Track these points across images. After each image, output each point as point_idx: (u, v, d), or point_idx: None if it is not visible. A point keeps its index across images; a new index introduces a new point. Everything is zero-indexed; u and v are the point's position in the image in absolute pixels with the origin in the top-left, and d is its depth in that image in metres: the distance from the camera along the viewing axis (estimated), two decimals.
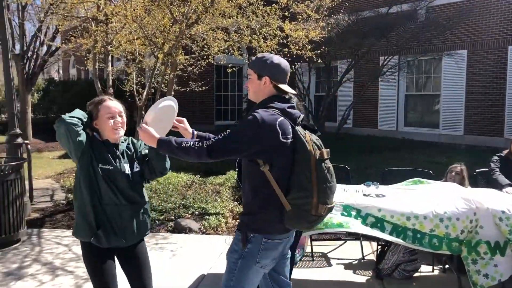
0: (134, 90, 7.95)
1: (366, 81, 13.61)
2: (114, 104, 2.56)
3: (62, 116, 2.43)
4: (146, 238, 5.07)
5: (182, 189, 6.87)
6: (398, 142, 12.80)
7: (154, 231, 5.47)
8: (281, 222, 2.23)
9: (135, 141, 2.70)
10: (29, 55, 14.82)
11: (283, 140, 2.19)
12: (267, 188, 2.21)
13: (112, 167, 2.49)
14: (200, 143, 2.19)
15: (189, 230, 5.38)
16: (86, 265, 2.59)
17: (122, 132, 2.55)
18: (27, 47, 15.10)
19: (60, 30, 11.04)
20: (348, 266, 4.34)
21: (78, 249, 4.76)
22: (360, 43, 11.09)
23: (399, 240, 3.41)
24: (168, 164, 2.66)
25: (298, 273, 4.13)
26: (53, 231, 5.48)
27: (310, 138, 2.24)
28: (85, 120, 2.47)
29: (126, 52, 8.24)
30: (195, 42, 7.53)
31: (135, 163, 2.61)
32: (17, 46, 15.69)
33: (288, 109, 2.29)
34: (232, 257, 2.32)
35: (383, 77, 12.52)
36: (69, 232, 5.46)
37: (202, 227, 5.47)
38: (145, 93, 7.80)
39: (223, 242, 5.01)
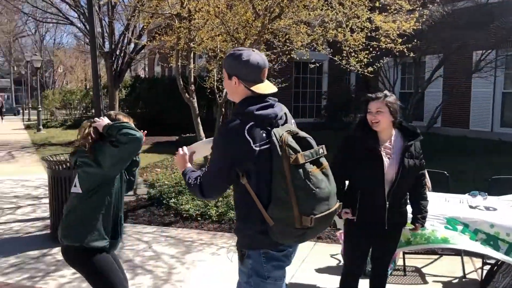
0: (215, 87, 7.88)
1: (457, 78, 12.59)
2: None
3: (138, 135, 2.55)
4: (225, 239, 4.94)
5: None
6: (493, 144, 11.69)
7: (233, 231, 5.31)
8: (268, 236, 2.00)
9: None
10: (117, 53, 15.55)
11: (255, 148, 1.96)
12: (249, 201, 2.00)
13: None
14: (195, 180, 2.09)
15: None
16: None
17: None
18: (116, 45, 15.84)
19: (146, 28, 11.36)
20: (447, 285, 3.85)
21: (157, 247, 4.75)
22: (454, 37, 10.21)
23: None
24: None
25: None
26: (134, 227, 5.52)
27: (287, 140, 1.94)
28: None
29: (208, 49, 8.21)
30: (277, 37, 7.28)
31: None
32: (107, 45, 16.56)
33: (258, 111, 2.01)
34: (242, 279, 2.15)
35: (479, 73, 11.46)
36: (150, 228, 5.48)
37: None
38: (225, 90, 7.72)
39: (304, 249, 4.72)
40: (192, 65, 8.08)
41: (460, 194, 3.82)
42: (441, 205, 3.42)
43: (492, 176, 7.29)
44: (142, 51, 16.98)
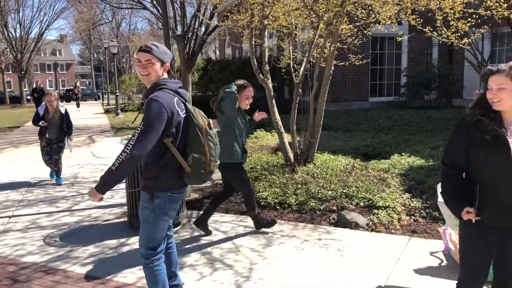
0: (291, 66, 7.44)
1: None
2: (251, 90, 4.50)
3: (231, 90, 4.36)
4: (307, 231, 4.56)
5: (342, 175, 6.19)
6: None
7: (315, 222, 4.92)
8: (180, 179, 2.77)
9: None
10: (189, 35, 15.54)
11: (182, 115, 2.73)
12: (168, 155, 2.71)
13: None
14: (121, 154, 2.57)
15: (355, 225, 4.68)
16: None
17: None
18: (188, 27, 15.83)
19: (217, 8, 11.09)
20: None
21: (236, 239, 4.46)
22: None
23: None
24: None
25: None
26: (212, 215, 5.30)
27: (199, 112, 2.82)
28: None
29: (281, 26, 7.76)
30: (359, 9, 6.65)
31: None
32: (179, 28, 16.62)
33: (180, 89, 2.81)
34: (144, 213, 2.80)
35: None
36: (228, 217, 5.23)
37: (371, 223, 4.73)
38: (302, 68, 7.24)
39: (398, 244, 4.22)
40: (266, 44, 7.68)
41: None
42: None
43: None
44: (213, 33, 16.90)
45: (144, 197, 2.80)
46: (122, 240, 4.51)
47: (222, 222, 5.02)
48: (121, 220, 5.20)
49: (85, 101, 42.10)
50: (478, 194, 2.31)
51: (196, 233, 4.65)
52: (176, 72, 16.97)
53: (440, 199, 2.90)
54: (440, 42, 6.57)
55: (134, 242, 4.37)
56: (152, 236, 2.80)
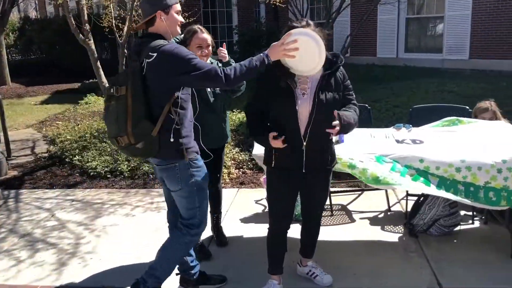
0: (113, 25, 7.02)
1: (364, 6, 12.60)
2: (205, 36, 3.00)
3: None
4: (139, 196, 4.50)
5: None
6: (400, 70, 12.07)
7: (148, 186, 4.87)
8: None
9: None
10: None
11: None
12: None
13: None
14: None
15: None
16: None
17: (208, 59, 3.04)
18: None
19: None
20: (374, 221, 3.79)
21: (61, 214, 4.17)
22: None
23: (451, 196, 2.81)
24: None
25: None
26: (33, 192, 4.85)
27: None
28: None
29: None
30: None
31: None
32: None
33: None
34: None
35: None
36: (52, 193, 4.83)
37: None
38: (125, 28, 6.89)
39: (229, 196, 4.42)
40: (84, 1, 7.08)
41: (384, 128, 3.67)
42: (368, 142, 3.24)
43: (405, 101, 7.49)
44: None
45: None
46: None
47: (45, 199, 4.63)
48: None
49: None
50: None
51: (14, 216, 4.22)
52: None
53: (254, 151, 3.09)
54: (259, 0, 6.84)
55: None
56: None
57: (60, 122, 8.19)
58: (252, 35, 16.21)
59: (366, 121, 4.06)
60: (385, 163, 2.90)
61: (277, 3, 6.52)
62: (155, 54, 2.28)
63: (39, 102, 11.26)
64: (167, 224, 2.82)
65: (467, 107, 3.98)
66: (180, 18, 2.44)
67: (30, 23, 19.29)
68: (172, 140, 2.35)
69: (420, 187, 2.85)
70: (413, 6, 13.31)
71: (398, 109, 7.10)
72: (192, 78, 2.28)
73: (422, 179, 2.84)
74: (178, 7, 2.44)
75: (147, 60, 2.30)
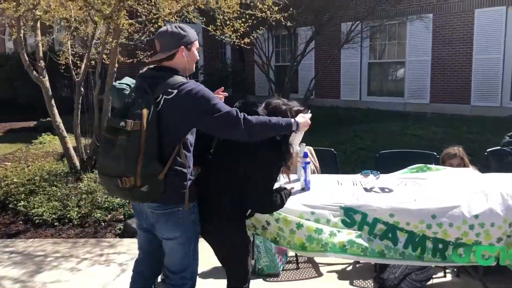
0: (70, 62, 6.72)
1: (328, 50, 12.85)
2: None
3: (112, 83, 3.45)
4: (88, 247, 4.10)
5: None
6: (363, 112, 12.21)
7: (99, 235, 4.47)
8: None
9: None
10: None
11: None
12: None
13: None
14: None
15: None
16: None
17: None
18: None
19: None
20: (342, 275, 3.53)
21: None
22: (326, 8, 10.20)
23: (414, 263, 2.65)
24: None
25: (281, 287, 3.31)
26: None
27: None
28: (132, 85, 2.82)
29: (61, 19, 6.96)
30: (141, 3, 6.35)
31: None
32: None
33: None
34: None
35: (348, 44, 11.75)
36: None
37: None
38: (83, 66, 6.60)
39: None
40: (39, 37, 6.77)
41: (351, 175, 3.49)
42: (335, 190, 3.03)
43: (370, 144, 7.45)
44: None
45: None
46: None
47: None
48: None
49: None
50: None
51: None
52: None
53: None
54: (224, 41, 6.76)
55: None
56: None
57: (9, 163, 7.66)
58: (219, 75, 16.24)
59: (332, 166, 3.89)
60: (354, 215, 2.68)
61: (243, 45, 6.42)
62: (175, 91, 2.13)
63: None
64: (131, 274, 2.49)
65: (435, 153, 3.88)
66: (197, 55, 2.37)
67: None
68: (177, 183, 2.17)
69: (389, 261, 2.67)
70: (375, 52, 13.67)
71: (363, 152, 7.03)
72: (214, 119, 2.14)
73: (390, 235, 2.63)
74: (197, 43, 2.36)
75: (165, 96, 2.13)
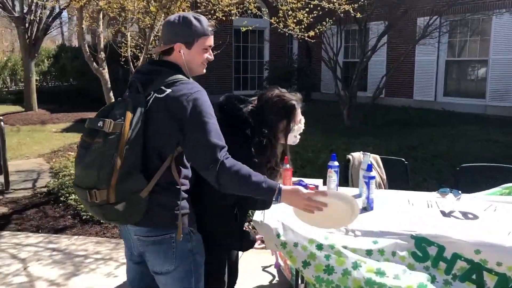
0: (129, 55, 6.61)
1: (401, 46, 12.00)
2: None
3: None
4: None
5: None
6: (438, 114, 11.30)
7: None
8: None
9: None
10: (31, 18, 13.58)
11: None
12: None
13: None
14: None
15: None
16: None
17: None
18: (28, 8, 13.84)
19: None
20: None
21: (35, 268, 3.45)
22: (399, 1, 9.44)
23: None
24: None
25: None
26: (15, 236, 4.27)
27: None
28: None
29: (123, 9, 6.88)
30: None
31: None
32: (17, 8, 14.44)
33: None
34: None
35: (424, 40, 10.87)
36: (34, 238, 4.23)
37: None
38: (141, 58, 6.46)
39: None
40: (101, 28, 6.73)
41: (425, 192, 2.92)
42: (404, 213, 2.50)
43: (445, 151, 6.68)
44: (61, 17, 15.10)
45: None
46: None
47: (25, 246, 4.03)
48: None
49: None
50: None
51: None
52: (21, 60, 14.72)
53: (255, 218, 2.42)
54: (288, 34, 6.32)
55: None
56: None
57: (72, 153, 7.75)
58: (284, 71, 15.84)
59: (401, 178, 3.34)
60: (428, 248, 2.15)
61: (307, 39, 5.95)
62: (168, 90, 1.71)
63: (60, 129, 10.99)
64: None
65: None
66: (206, 56, 1.88)
67: (65, 51, 19.53)
68: (168, 203, 1.74)
69: None
70: (454, 48, 12.59)
71: (437, 160, 6.30)
72: (192, 140, 1.70)
73: (474, 276, 2.08)
74: (208, 42, 1.86)
75: (156, 94, 1.72)
